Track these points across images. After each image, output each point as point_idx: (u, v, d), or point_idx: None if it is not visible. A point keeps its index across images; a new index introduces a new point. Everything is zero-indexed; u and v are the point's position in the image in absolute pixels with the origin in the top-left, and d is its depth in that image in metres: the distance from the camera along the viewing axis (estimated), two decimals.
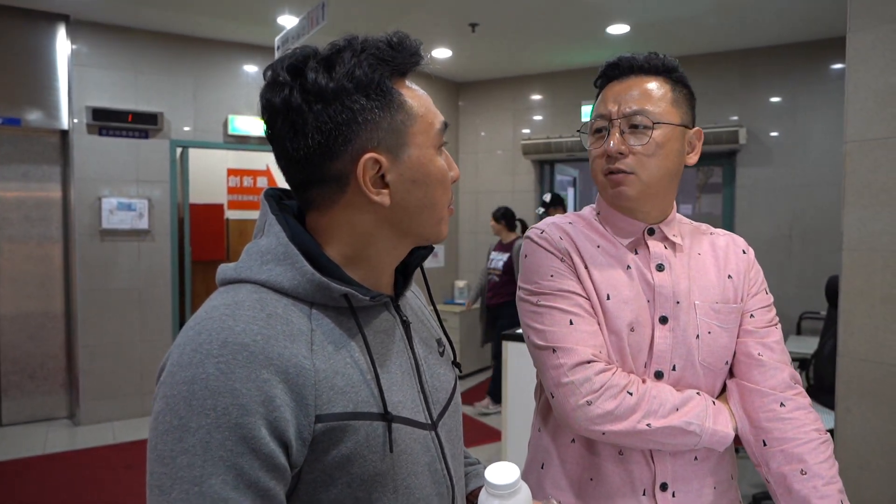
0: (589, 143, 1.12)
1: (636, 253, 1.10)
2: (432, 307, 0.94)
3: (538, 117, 6.02)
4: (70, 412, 4.70)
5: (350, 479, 0.68)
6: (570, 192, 6.91)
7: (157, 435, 0.62)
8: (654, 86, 1.07)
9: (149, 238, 4.75)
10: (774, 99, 4.90)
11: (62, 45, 4.42)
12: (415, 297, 0.93)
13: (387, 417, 0.71)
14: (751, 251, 1.18)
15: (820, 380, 3.30)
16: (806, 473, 0.98)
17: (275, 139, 0.74)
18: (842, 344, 2.27)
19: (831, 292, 3.41)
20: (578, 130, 1.15)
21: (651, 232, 1.10)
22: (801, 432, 1.01)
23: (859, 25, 2.17)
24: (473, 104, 6.37)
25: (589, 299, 1.05)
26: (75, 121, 4.45)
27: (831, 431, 2.35)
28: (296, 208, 0.81)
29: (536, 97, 6.03)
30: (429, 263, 6.12)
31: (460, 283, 6.29)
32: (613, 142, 1.04)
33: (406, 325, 0.82)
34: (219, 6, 4.17)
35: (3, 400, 4.51)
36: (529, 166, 6.05)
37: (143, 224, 4.69)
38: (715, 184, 6.04)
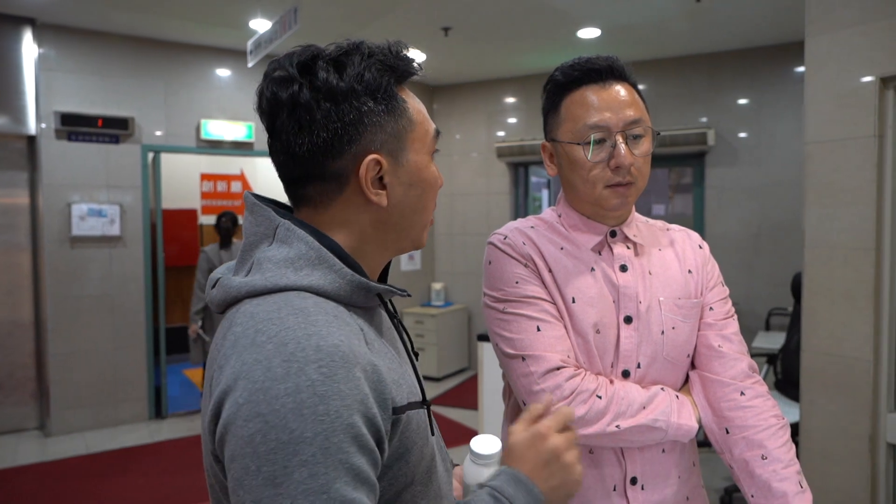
0: (584, 156, 1.06)
1: (599, 254, 1.12)
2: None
3: (512, 120, 6.07)
4: (40, 423, 4.61)
5: (408, 469, 0.71)
6: (545, 193, 6.97)
7: (261, 457, 0.58)
8: (632, 92, 1.08)
9: (120, 244, 4.69)
10: (741, 101, 5.02)
11: (28, 49, 4.35)
12: None
13: (426, 403, 0.75)
14: (706, 246, 1.22)
15: (787, 374, 3.39)
16: (766, 458, 1.03)
17: (276, 134, 0.74)
18: (805, 339, 2.34)
19: (796, 289, 3.50)
20: (563, 141, 1.09)
21: (613, 234, 1.13)
22: (760, 419, 1.05)
23: (816, 30, 2.25)
24: (448, 107, 6.41)
25: (555, 303, 1.07)
26: (43, 126, 4.38)
27: (797, 424, 2.42)
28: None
29: (510, 100, 6.08)
30: (406, 266, 6.15)
31: (437, 286, 6.31)
32: (625, 155, 1.03)
33: (395, 318, 0.86)
34: (190, 10, 4.14)
35: None
36: (504, 168, 6.10)
37: (115, 230, 4.63)
38: (686, 184, 6.15)
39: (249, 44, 3.94)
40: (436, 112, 6.44)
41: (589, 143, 1.05)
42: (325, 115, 0.72)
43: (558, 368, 1.02)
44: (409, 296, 0.81)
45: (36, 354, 4.62)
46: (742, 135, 5.01)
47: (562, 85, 1.10)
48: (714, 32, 4.60)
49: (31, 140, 4.48)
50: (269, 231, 0.74)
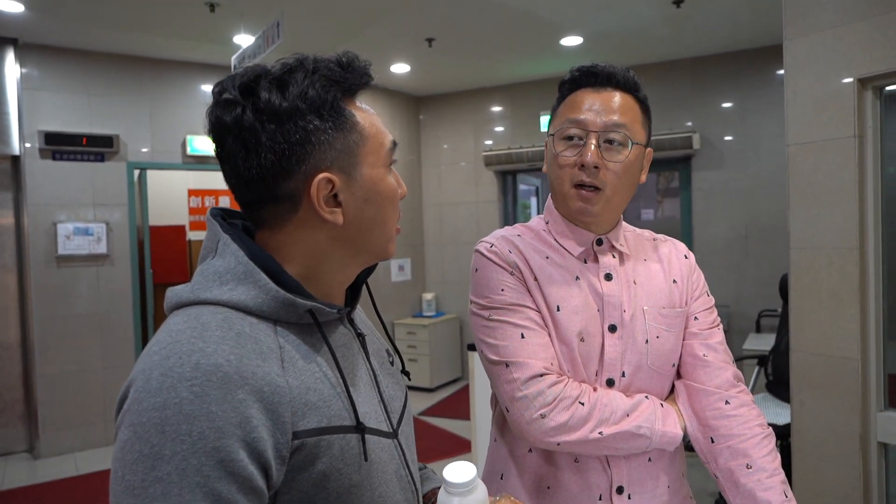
0: (558, 149, 1.07)
1: (585, 263, 1.12)
2: (378, 319, 0.95)
3: (499, 128, 6.10)
4: (29, 445, 4.55)
5: (327, 494, 0.68)
6: (533, 201, 6.99)
7: (126, 465, 0.60)
8: (629, 102, 1.08)
9: (108, 262, 4.65)
10: (725, 104, 5.06)
11: (11, 69, 4.33)
12: (359, 310, 0.95)
13: (360, 428, 0.72)
14: (691, 255, 1.22)
15: (778, 375, 3.40)
16: (751, 467, 1.02)
17: (225, 158, 0.73)
18: (793, 339, 2.35)
19: (784, 290, 3.52)
20: (551, 134, 1.11)
21: (599, 242, 1.13)
22: (745, 428, 1.05)
23: (794, 33, 2.27)
24: (434, 117, 6.42)
25: (539, 311, 1.07)
26: (27, 145, 4.35)
27: (789, 426, 2.42)
28: (241, 227, 0.80)
29: (496, 108, 6.11)
30: (396, 277, 6.14)
31: (428, 296, 6.30)
32: (591, 154, 1.03)
33: (361, 337, 0.84)
34: (174, 26, 4.13)
35: None
36: (492, 177, 6.11)
37: (102, 248, 4.60)
38: (675, 188, 6.19)
39: (234, 59, 3.94)
40: (422, 122, 6.46)
41: (564, 137, 1.07)
42: (270, 136, 0.70)
43: (541, 375, 1.02)
44: (348, 311, 0.80)
45: (24, 376, 4.57)
46: (727, 138, 5.06)
47: (566, 85, 1.13)
48: (696, 37, 4.64)
49: (16, 160, 4.45)
50: (213, 245, 0.74)
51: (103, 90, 4.63)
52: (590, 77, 1.09)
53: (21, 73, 4.33)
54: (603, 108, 1.06)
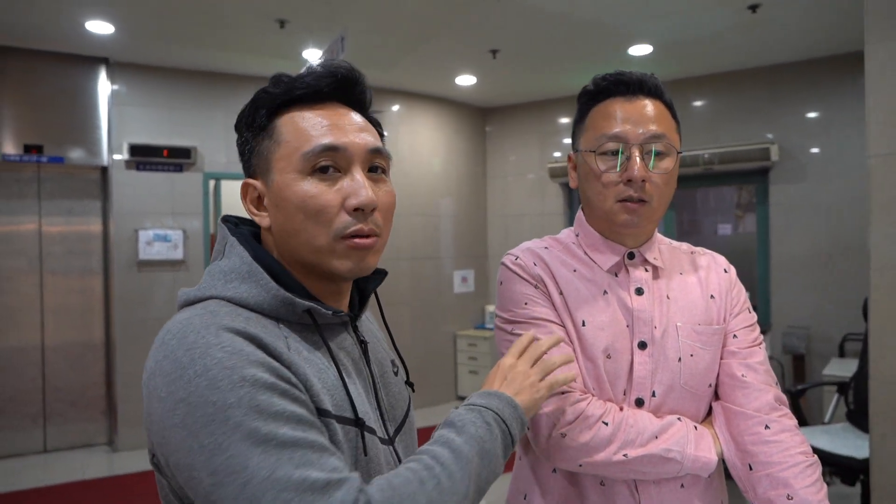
0: (600, 167, 1.02)
1: (616, 276, 1.07)
2: (386, 330, 0.95)
3: (566, 140, 6.00)
4: (109, 438, 4.83)
5: None
6: None
7: (196, 435, 0.62)
8: (661, 109, 1.04)
9: (183, 268, 4.89)
10: (807, 114, 4.78)
11: (103, 86, 4.65)
12: (369, 321, 0.95)
13: (359, 422, 0.73)
14: (732, 270, 1.15)
15: (861, 404, 3.15)
16: (792, 499, 0.94)
17: None
18: (873, 367, 2.17)
19: (867, 312, 3.26)
20: (585, 150, 1.06)
21: (631, 256, 1.08)
22: (786, 455, 0.97)
23: (875, 38, 2.12)
24: (500, 129, 6.41)
25: (564, 326, 1.04)
26: (115, 157, 4.65)
27: (867, 460, 2.23)
28: (251, 234, 0.84)
29: (563, 120, 6.02)
30: (458, 288, 6.14)
31: (490, 308, 6.25)
32: (637, 168, 0.99)
33: (363, 344, 0.84)
34: (246, 43, 4.32)
35: (47, 427, 4.67)
36: (558, 189, 6.02)
37: (178, 255, 4.84)
38: (752, 203, 5.89)
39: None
40: (488, 134, 6.45)
41: (604, 153, 1.02)
42: (238, 146, 0.84)
43: (563, 392, 0.98)
44: (349, 316, 0.81)
45: (106, 374, 4.86)
46: (808, 149, 4.76)
47: (591, 95, 1.08)
48: (773, 44, 4.41)
49: (104, 171, 4.77)
50: (221, 247, 0.80)
51: (183, 104, 4.89)
52: (620, 86, 1.04)
53: (111, 89, 4.64)
54: (640, 118, 1.02)
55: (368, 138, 0.78)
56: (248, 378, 0.62)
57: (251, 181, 0.79)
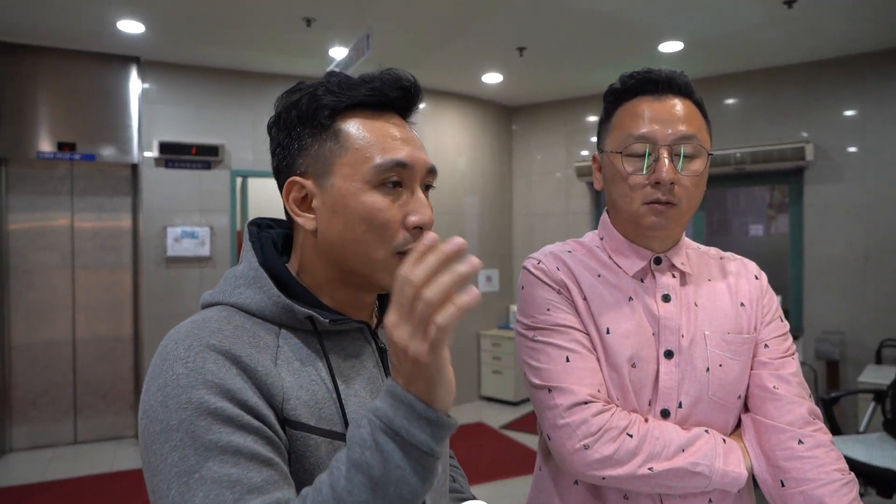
0: (627, 169, 0.98)
1: (642, 282, 1.03)
2: None
3: (594, 139, 5.92)
4: (136, 431, 4.91)
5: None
6: None
7: (145, 449, 0.64)
8: (692, 108, 1.00)
9: (210, 265, 4.95)
10: (845, 112, 4.63)
11: (134, 84, 4.72)
12: None
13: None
14: (763, 276, 1.10)
15: None
16: None
17: None
18: None
19: None
20: (602, 150, 1.04)
21: (658, 261, 1.04)
22: (821, 472, 0.92)
23: None
24: (527, 127, 6.35)
25: (587, 333, 1.00)
26: (145, 154, 4.72)
27: None
28: (281, 236, 0.85)
29: (590, 118, 5.94)
30: (483, 287, 6.11)
31: (514, 308, 6.20)
32: (666, 171, 0.95)
33: (382, 352, 0.82)
34: (273, 42, 4.35)
35: (77, 419, 4.77)
36: (584, 188, 5.95)
37: (205, 251, 4.90)
38: (785, 203, 5.74)
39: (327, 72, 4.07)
40: (515, 133, 6.40)
41: (631, 154, 0.98)
42: (275, 140, 0.79)
43: (586, 402, 0.94)
44: (360, 327, 0.79)
45: (135, 368, 4.94)
46: (845, 149, 4.62)
47: (618, 94, 1.04)
48: (809, 40, 4.28)
49: (134, 168, 4.84)
50: (244, 251, 0.81)
51: (211, 102, 4.95)
52: (648, 84, 1.00)
53: (142, 88, 4.71)
54: (669, 118, 0.98)
55: (427, 157, 0.79)
56: (193, 400, 0.62)
57: (300, 180, 0.76)
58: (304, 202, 0.76)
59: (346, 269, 0.77)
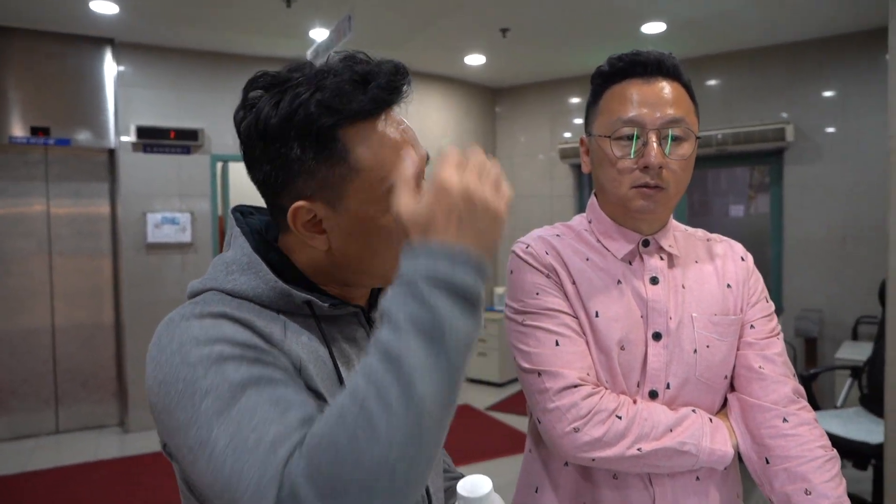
0: (616, 153, 0.98)
1: (630, 265, 1.04)
2: None
3: (577, 120, 5.92)
4: (120, 420, 4.87)
5: None
6: None
7: (168, 415, 0.62)
8: (680, 91, 1.00)
9: (191, 250, 4.89)
10: (824, 93, 4.67)
11: (109, 67, 4.61)
12: None
13: None
14: (749, 257, 1.11)
15: (875, 388, 3.10)
16: (811, 493, 0.92)
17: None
18: (890, 351, 2.13)
19: (884, 296, 3.21)
20: (590, 134, 1.04)
21: (646, 243, 1.04)
22: (805, 450, 0.94)
23: None
24: (510, 109, 6.33)
25: (576, 317, 1.01)
26: (122, 139, 4.63)
27: (882, 445, 2.20)
28: (264, 223, 0.82)
29: (574, 100, 5.93)
30: None
31: (500, 290, 6.22)
32: (654, 154, 0.95)
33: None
34: (252, 23, 4.27)
35: (59, 408, 4.72)
36: (568, 170, 5.95)
37: (186, 237, 4.83)
38: (765, 183, 5.80)
39: (308, 53, 4.01)
40: (498, 115, 6.37)
41: (619, 138, 0.98)
42: (261, 152, 0.71)
43: (575, 386, 0.95)
44: (355, 312, 0.78)
45: (116, 355, 4.89)
46: (824, 129, 4.67)
47: (606, 76, 1.03)
48: (791, 21, 4.30)
49: (111, 153, 4.75)
50: (229, 238, 0.79)
51: (189, 85, 4.85)
52: (636, 67, 0.99)
53: (117, 71, 4.60)
54: (657, 101, 0.97)
55: (422, 147, 0.76)
56: (215, 351, 0.62)
57: (307, 205, 0.70)
58: (313, 222, 0.72)
59: (364, 276, 0.77)
